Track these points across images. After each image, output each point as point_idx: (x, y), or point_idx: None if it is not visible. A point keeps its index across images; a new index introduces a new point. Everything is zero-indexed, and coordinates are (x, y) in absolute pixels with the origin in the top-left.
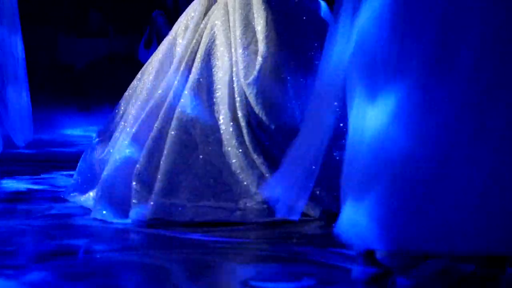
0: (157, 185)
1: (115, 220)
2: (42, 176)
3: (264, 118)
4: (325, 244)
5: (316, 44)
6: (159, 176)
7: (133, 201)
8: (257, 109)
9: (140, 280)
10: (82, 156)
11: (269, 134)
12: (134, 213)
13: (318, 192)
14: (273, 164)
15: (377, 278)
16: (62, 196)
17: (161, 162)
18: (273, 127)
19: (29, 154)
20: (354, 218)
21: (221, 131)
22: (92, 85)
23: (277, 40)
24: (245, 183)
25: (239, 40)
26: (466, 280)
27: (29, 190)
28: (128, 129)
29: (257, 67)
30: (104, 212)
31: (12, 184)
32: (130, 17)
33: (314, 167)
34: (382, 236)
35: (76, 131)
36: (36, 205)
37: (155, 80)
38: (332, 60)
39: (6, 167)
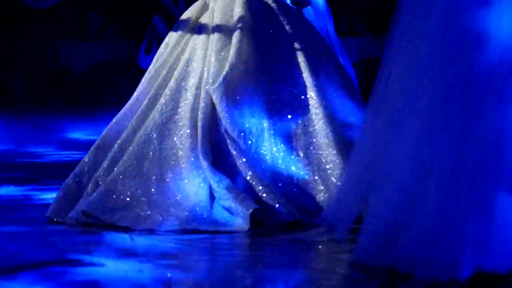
0: (102, 185)
1: (55, 218)
2: (43, 182)
3: (228, 123)
4: (326, 251)
5: (297, 48)
6: (108, 178)
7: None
8: (222, 114)
9: (141, 287)
10: None
11: (233, 139)
12: (74, 210)
13: (277, 206)
14: (222, 170)
15: (380, 285)
16: None
17: (116, 167)
18: (235, 133)
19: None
20: None
21: (180, 136)
22: (92, 89)
23: (253, 46)
24: (193, 189)
25: (214, 46)
26: (469, 286)
27: (27, 196)
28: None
29: (223, 73)
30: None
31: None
32: (131, 21)
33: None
34: None
35: (76, 135)
36: (35, 212)
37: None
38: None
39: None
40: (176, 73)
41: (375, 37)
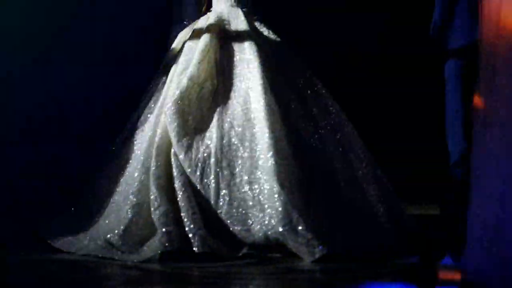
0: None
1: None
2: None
3: (175, 144)
4: (324, 279)
5: (258, 75)
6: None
7: None
8: (171, 135)
9: None
10: None
11: (178, 161)
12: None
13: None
14: (167, 196)
15: None
16: None
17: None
18: (182, 155)
19: None
20: None
21: (133, 159)
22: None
23: (212, 69)
24: (119, 215)
25: (177, 69)
26: None
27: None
28: None
29: (175, 95)
30: None
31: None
32: None
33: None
34: None
35: (75, 162)
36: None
37: None
38: None
39: None
40: (154, 98)
41: None
